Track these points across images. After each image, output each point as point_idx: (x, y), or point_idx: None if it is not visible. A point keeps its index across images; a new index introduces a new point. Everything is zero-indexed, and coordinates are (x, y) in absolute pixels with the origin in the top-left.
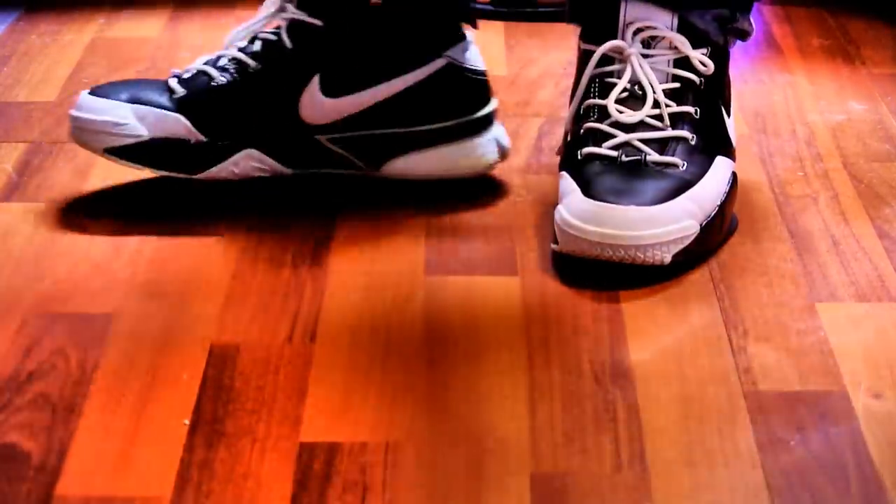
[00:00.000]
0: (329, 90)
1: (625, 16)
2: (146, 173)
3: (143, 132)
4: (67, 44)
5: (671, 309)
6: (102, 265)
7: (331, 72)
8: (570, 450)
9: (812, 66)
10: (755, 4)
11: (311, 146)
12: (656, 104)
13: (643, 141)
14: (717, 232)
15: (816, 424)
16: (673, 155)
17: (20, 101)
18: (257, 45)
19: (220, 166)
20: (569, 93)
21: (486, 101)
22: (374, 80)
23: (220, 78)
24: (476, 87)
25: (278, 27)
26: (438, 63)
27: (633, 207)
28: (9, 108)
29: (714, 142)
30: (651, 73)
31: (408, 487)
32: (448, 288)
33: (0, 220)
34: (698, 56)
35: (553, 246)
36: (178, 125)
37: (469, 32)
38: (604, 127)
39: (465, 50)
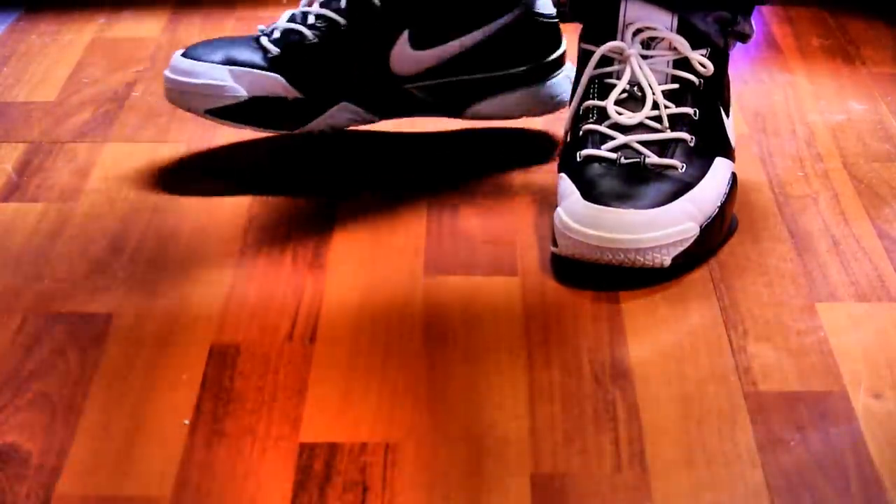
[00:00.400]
0: (418, 43)
1: (624, 16)
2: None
3: (242, 92)
4: (67, 44)
5: (671, 309)
6: (102, 265)
7: (419, 26)
8: (570, 450)
9: (812, 66)
10: (756, 6)
11: (400, 95)
12: (655, 105)
13: (642, 143)
14: (717, 233)
15: (816, 424)
16: (672, 157)
17: (20, 101)
18: (343, 2)
19: (317, 120)
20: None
21: (558, 45)
22: (458, 32)
23: (311, 36)
24: (549, 32)
25: None
26: (515, 12)
27: (632, 211)
28: (9, 108)
29: (713, 143)
30: (650, 74)
31: (408, 487)
32: (448, 288)
33: (0, 220)
34: (697, 57)
35: (553, 249)
36: (276, 84)
37: None
38: (602, 128)
39: None
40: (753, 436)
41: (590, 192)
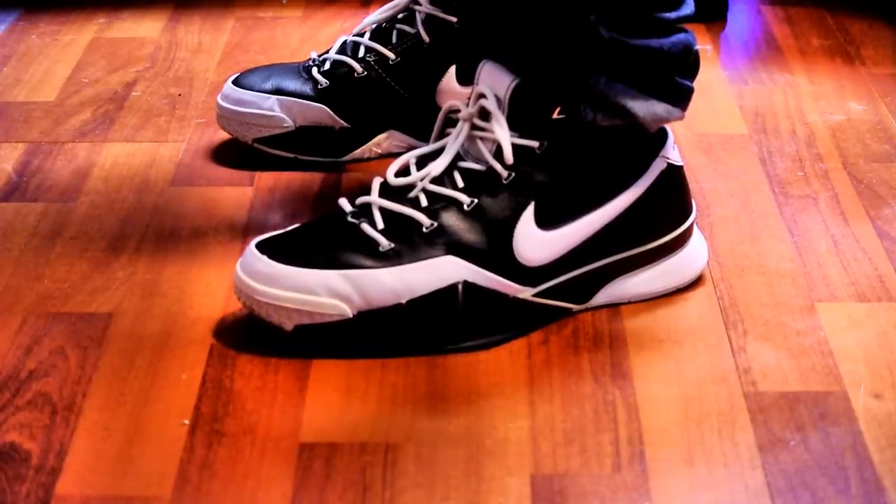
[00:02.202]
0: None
1: (479, 75)
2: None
3: (289, 122)
4: (67, 44)
5: (671, 309)
6: (102, 265)
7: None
8: (570, 450)
9: (812, 66)
10: (755, 5)
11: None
12: (425, 178)
13: (382, 209)
14: (397, 327)
15: (816, 424)
16: (392, 232)
17: (20, 101)
18: (394, 37)
19: (363, 147)
20: None
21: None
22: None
23: (360, 69)
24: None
25: (412, 20)
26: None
27: (275, 263)
28: (9, 108)
29: (457, 241)
30: (453, 147)
31: (407, 487)
32: None
33: (0, 220)
34: (509, 145)
35: None
36: (322, 114)
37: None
38: (375, 183)
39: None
40: (753, 436)
41: (284, 236)
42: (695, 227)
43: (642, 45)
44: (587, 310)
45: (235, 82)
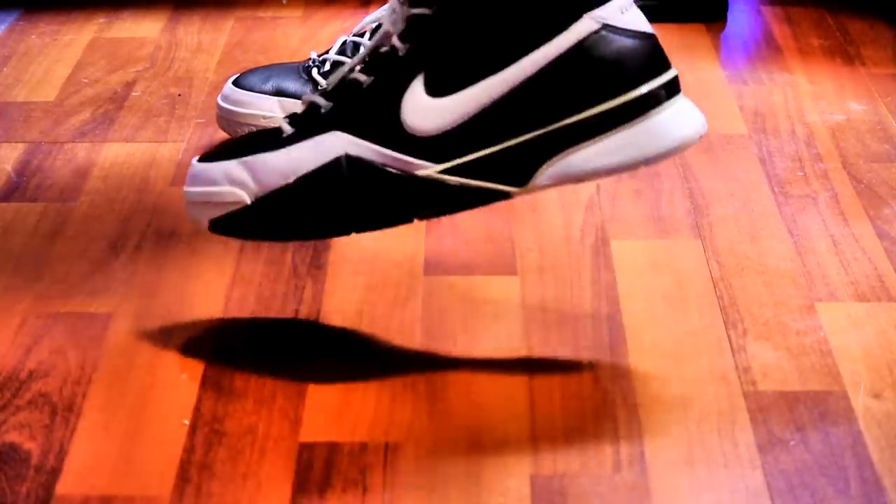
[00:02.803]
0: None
1: None
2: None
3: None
4: (67, 44)
5: (671, 309)
6: (102, 265)
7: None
8: (570, 450)
9: (812, 66)
10: (755, 5)
11: None
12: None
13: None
14: (291, 212)
15: (816, 424)
16: (297, 119)
17: (20, 101)
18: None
19: None
20: None
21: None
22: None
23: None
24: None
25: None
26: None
27: (195, 162)
28: (9, 108)
29: (348, 116)
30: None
31: (407, 488)
32: (448, 288)
33: (0, 220)
34: (397, 21)
35: None
36: None
37: None
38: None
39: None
40: (753, 436)
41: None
42: (678, 97)
43: None
44: (530, 191)
45: (235, 83)
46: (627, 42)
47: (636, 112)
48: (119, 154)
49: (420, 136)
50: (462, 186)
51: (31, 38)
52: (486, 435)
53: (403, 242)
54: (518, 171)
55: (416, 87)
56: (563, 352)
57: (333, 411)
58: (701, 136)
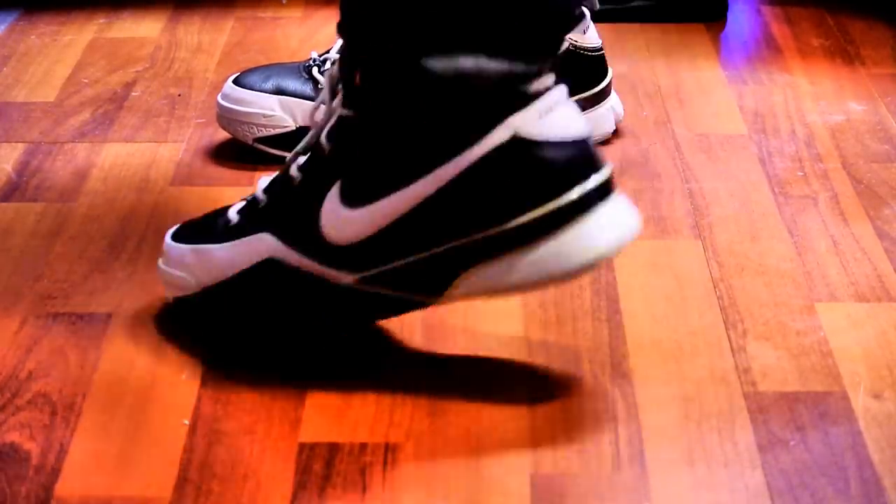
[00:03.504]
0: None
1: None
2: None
3: (290, 122)
4: (67, 44)
5: (671, 309)
6: (102, 265)
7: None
8: (570, 450)
9: (812, 66)
10: (755, 5)
11: None
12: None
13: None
14: (230, 307)
15: (816, 424)
16: (242, 211)
17: (20, 101)
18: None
19: None
20: None
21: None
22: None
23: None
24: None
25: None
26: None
27: (168, 239)
28: (9, 108)
29: (276, 217)
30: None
31: (408, 487)
32: None
33: (0, 220)
34: (323, 117)
35: None
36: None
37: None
38: None
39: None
40: (753, 436)
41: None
42: (608, 200)
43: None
44: (448, 302)
45: (236, 81)
46: (544, 151)
47: (554, 223)
48: (119, 154)
49: (336, 246)
50: (378, 295)
51: (31, 38)
52: (486, 435)
53: None
54: (433, 281)
55: (333, 196)
56: (563, 352)
57: (333, 411)
58: (633, 237)
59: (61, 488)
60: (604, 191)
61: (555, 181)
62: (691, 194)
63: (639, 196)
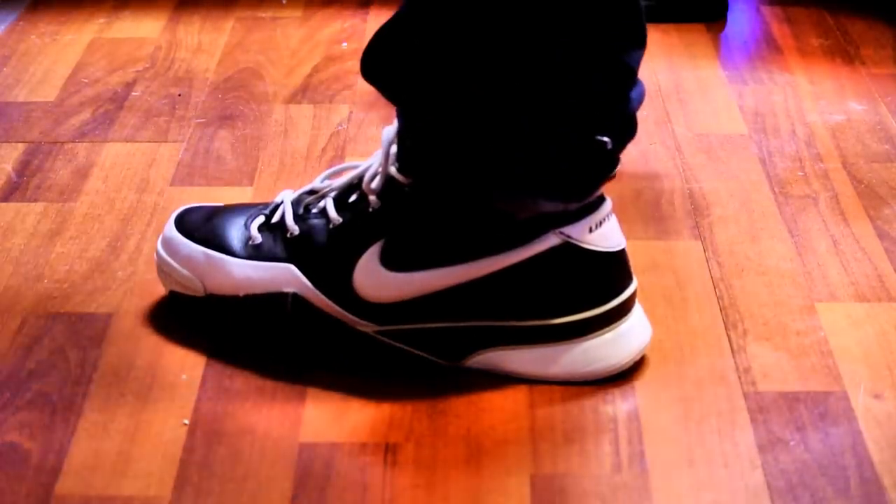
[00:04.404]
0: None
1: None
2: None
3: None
4: (67, 44)
5: (671, 309)
6: (102, 265)
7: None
8: (570, 450)
9: (812, 66)
10: (755, 5)
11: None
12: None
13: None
14: (232, 314)
15: (816, 424)
16: (267, 232)
17: (20, 101)
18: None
19: None
20: None
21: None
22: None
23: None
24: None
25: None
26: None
27: (172, 227)
28: (9, 108)
29: (306, 256)
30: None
31: (407, 487)
32: None
33: (0, 220)
34: (376, 175)
35: None
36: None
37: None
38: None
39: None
40: (753, 436)
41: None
42: (627, 319)
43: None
44: (463, 370)
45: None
46: (593, 260)
47: (578, 332)
48: (119, 154)
49: (365, 301)
50: (398, 349)
51: (31, 38)
52: (486, 435)
53: None
54: (452, 350)
55: (373, 254)
56: None
57: (333, 411)
58: (644, 348)
59: (61, 488)
60: (629, 304)
61: (589, 294)
62: (691, 194)
63: (639, 196)
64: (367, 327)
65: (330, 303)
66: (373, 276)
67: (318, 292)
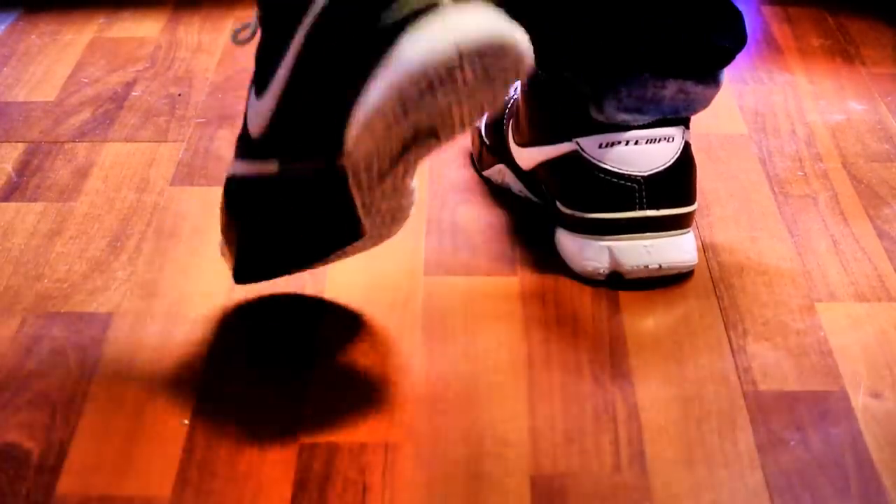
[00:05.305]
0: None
1: None
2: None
3: None
4: (67, 44)
5: (671, 309)
6: (102, 265)
7: None
8: (570, 450)
9: (812, 66)
10: (755, 5)
11: None
12: None
13: None
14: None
15: (816, 424)
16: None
17: (20, 101)
18: None
19: None
20: None
21: None
22: None
23: None
24: None
25: None
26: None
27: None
28: (9, 108)
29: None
30: None
31: (407, 487)
32: (448, 288)
33: (0, 220)
34: None
35: None
36: None
37: None
38: None
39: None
40: (753, 436)
41: None
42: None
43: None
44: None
45: None
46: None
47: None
48: (119, 154)
49: (254, 139)
50: (302, 180)
51: (31, 38)
52: (486, 435)
53: (403, 242)
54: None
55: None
56: (563, 352)
57: (333, 411)
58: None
59: (61, 488)
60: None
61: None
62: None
63: None
64: (270, 166)
65: (243, 163)
66: (253, 111)
67: (239, 162)
